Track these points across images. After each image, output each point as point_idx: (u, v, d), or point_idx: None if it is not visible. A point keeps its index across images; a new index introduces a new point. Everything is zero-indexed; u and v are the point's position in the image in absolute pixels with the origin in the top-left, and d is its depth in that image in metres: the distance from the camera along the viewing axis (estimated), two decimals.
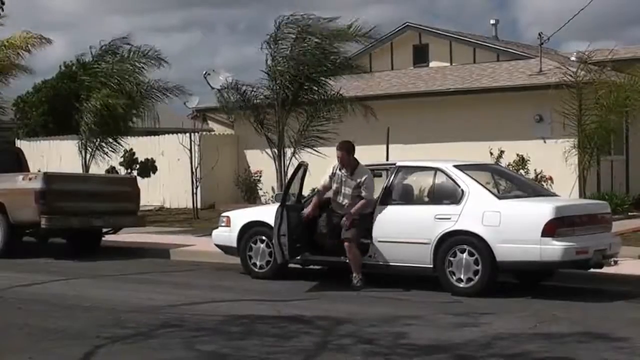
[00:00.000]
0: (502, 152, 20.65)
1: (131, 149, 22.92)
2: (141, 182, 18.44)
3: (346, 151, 11.69)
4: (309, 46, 18.21)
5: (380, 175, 12.20)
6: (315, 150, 18.67)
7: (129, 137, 23.15)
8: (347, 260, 11.47)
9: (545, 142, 21.90)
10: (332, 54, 18.54)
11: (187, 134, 24.27)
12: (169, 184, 25.96)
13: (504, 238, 10.64)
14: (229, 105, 19.59)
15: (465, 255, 10.79)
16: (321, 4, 78.25)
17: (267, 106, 18.89)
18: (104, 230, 16.23)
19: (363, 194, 11.55)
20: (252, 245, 12.45)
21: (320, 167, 18.52)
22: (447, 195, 11.36)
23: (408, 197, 11.82)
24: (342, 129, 19.02)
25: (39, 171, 17.81)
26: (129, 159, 22.84)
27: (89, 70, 21.86)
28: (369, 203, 11.54)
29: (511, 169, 18.96)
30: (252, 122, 19.06)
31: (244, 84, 19.09)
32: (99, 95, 20.45)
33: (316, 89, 18.73)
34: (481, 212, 10.82)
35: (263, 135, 18.89)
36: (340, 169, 11.72)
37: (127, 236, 16.89)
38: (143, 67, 21.41)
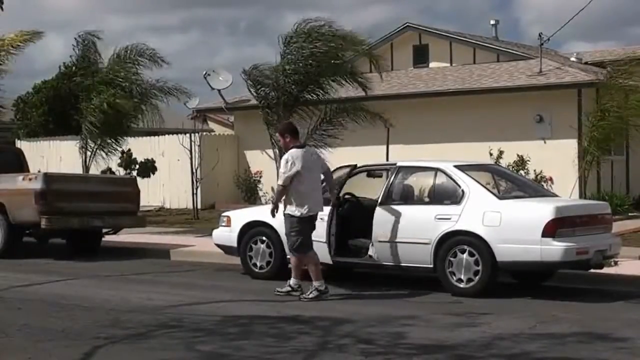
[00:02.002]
0: (501, 152, 20.66)
1: (128, 150, 22.89)
2: (141, 183, 18.43)
3: (280, 133, 11.16)
4: (317, 50, 18.20)
5: (381, 176, 12.19)
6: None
7: (129, 138, 23.14)
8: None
9: (545, 142, 21.92)
10: (337, 58, 18.56)
11: (187, 135, 24.29)
12: (169, 185, 25.98)
13: (504, 238, 10.63)
14: (233, 103, 19.38)
15: (465, 255, 10.78)
16: (321, 3, 78.32)
17: (271, 106, 18.86)
18: (104, 230, 16.23)
19: (280, 173, 10.73)
20: (253, 245, 12.44)
21: None
22: (448, 195, 11.35)
23: (408, 197, 11.81)
24: (343, 130, 19.02)
25: (39, 171, 17.82)
26: (127, 160, 22.83)
27: (85, 69, 21.76)
28: (283, 190, 10.64)
29: (511, 169, 18.98)
30: (263, 120, 19.00)
31: (262, 75, 18.94)
32: (105, 95, 20.37)
33: (318, 91, 18.72)
34: (481, 212, 10.82)
35: (269, 134, 18.85)
36: None
37: (127, 236, 16.89)
38: (140, 65, 21.26)
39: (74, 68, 23.14)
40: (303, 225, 10.71)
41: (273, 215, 11.09)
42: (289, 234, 10.83)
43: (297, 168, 10.62)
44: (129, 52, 21.16)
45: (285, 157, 10.79)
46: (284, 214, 10.84)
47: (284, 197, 10.80)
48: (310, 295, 10.61)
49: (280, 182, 10.69)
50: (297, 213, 10.65)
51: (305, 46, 18.19)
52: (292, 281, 10.88)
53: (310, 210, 10.75)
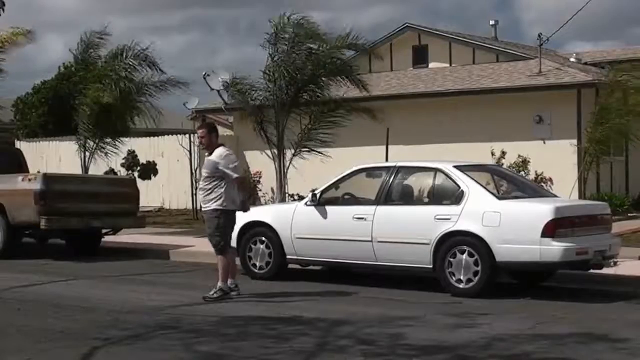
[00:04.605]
0: (504, 153, 20.64)
1: (133, 151, 22.91)
2: (141, 183, 18.45)
3: (207, 130, 10.93)
4: (306, 49, 18.19)
5: (380, 176, 12.19)
6: (315, 151, 18.68)
7: (129, 138, 23.09)
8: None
9: (545, 143, 21.91)
10: (330, 57, 18.52)
11: (187, 135, 24.28)
12: (169, 185, 25.98)
13: (503, 238, 10.63)
14: (231, 104, 19.47)
15: (465, 255, 10.78)
16: (322, 4, 78.29)
17: (266, 107, 18.87)
18: (104, 231, 16.22)
19: (228, 172, 10.47)
20: (252, 245, 12.46)
21: (320, 168, 18.67)
22: (447, 195, 11.35)
23: (408, 198, 11.82)
24: (342, 130, 19.02)
25: (39, 172, 17.81)
26: (131, 161, 22.83)
27: (84, 69, 21.73)
28: (241, 179, 10.72)
29: (512, 170, 18.96)
30: (253, 123, 19.00)
31: (246, 83, 19.00)
32: (90, 91, 20.28)
33: (316, 90, 18.70)
34: (481, 212, 10.81)
35: (263, 136, 18.86)
36: (207, 155, 10.99)
37: (127, 237, 16.88)
38: (135, 67, 21.15)
39: (72, 68, 23.09)
40: (229, 224, 10.75)
41: (247, 209, 11.15)
42: (212, 233, 10.67)
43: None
44: (125, 52, 21.04)
45: (223, 152, 10.63)
46: (209, 211, 10.65)
47: (210, 194, 10.63)
48: (215, 295, 10.59)
49: (237, 174, 10.55)
50: (230, 207, 10.64)
51: (292, 46, 18.16)
52: (221, 284, 10.77)
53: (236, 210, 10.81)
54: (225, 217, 10.63)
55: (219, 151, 10.67)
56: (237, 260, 11.70)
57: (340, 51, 18.64)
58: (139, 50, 20.91)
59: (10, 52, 21.57)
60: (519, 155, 20.80)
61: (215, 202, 10.56)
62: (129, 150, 22.56)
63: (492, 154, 20.67)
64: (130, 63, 20.89)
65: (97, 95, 20.00)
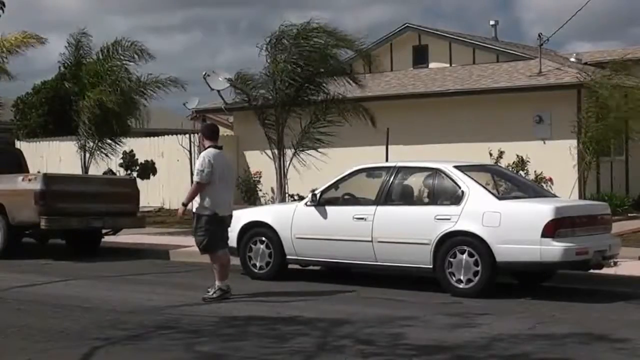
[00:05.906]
0: (501, 152, 20.65)
1: (131, 151, 22.90)
2: (141, 183, 18.44)
3: (202, 134, 11.11)
4: (307, 49, 18.20)
5: (381, 176, 12.19)
6: (318, 151, 18.69)
7: (128, 138, 23.10)
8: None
9: (545, 143, 21.91)
10: (330, 57, 18.53)
11: (187, 135, 24.28)
12: (169, 185, 25.98)
13: (504, 239, 10.62)
14: (234, 103, 19.50)
15: (465, 256, 10.77)
16: (322, 4, 78.30)
17: (267, 106, 18.89)
18: (104, 231, 16.22)
19: (194, 176, 10.64)
20: (252, 246, 12.46)
21: (319, 168, 18.67)
22: (447, 195, 11.35)
23: (408, 198, 11.82)
24: (342, 130, 19.04)
25: (39, 172, 17.82)
26: (129, 161, 22.82)
27: (78, 69, 21.71)
28: (198, 187, 10.54)
29: (510, 169, 18.97)
30: (258, 120, 18.99)
31: (251, 76, 19.00)
32: (92, 93, 20.26)
33: (315, 91, 18.71)
34: (481, 212, 10.81)
35: (266, 134, 18.86)
36: None
37: (127, 237, 16.89)
38: (129, 62, 21.17)
39: (65, 68, 23.10)
40: (211, 226, 10.62)
41: (183, 212, 10.84)
42: (195, 233, 10.76)
43: (212, 167, 10.56)
44: (115, 48, 21.02)
45: (202, 155, 10.73)
46: (193, 213, 10.77)
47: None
48: (214, 295, 10.59)
49: (197, 178, 10.54)
50: (206, 212, 10.58)
51: (299, 43, 18.19)
52: (219, 283, 10.75)
53: (220, 212, 10.69)
54: (209, 218, 10.60)
55: (202, 154, 10.78)
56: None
57: (336, 51, 18.69)
58: (129, 43, 20.92)
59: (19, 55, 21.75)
60: (517, 155, 20.81)
61: (199, 203, 10.60)
62: (125, 151, 22.53)
63: (490, 154, 20.68)
64: (123, 57, 20.88)
65: (100, 98, 19.99)
